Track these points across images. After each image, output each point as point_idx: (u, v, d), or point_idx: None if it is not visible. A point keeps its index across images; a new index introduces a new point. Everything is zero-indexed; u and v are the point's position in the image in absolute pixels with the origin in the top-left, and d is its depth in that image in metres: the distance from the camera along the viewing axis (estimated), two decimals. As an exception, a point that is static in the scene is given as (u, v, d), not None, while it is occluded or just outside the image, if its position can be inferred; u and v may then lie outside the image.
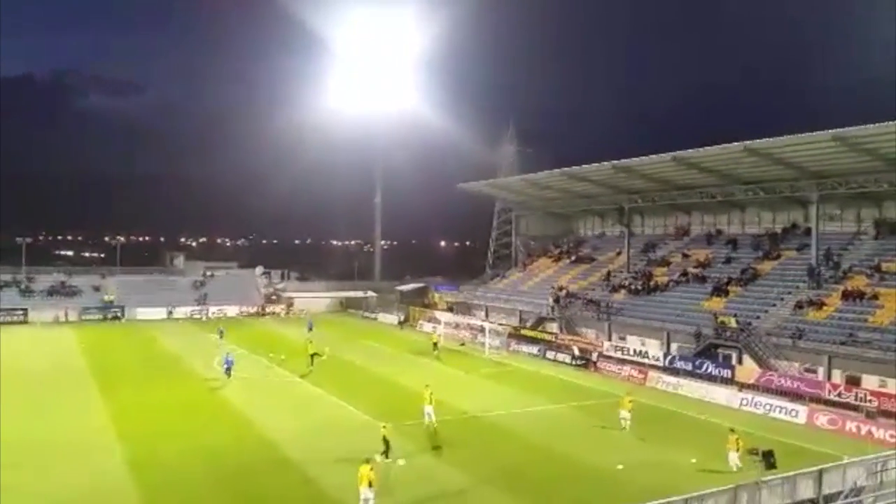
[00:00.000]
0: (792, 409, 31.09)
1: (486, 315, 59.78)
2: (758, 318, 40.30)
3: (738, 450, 22.94)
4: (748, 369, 36.82)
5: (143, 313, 65.71)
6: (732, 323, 39.29)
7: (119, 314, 65.80)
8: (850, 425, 28.67)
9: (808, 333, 36.69)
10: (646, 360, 41.74)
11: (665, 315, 45.34)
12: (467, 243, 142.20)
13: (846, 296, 38.72)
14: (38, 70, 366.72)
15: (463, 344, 52.15)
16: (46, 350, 47.27)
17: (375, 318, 70.09)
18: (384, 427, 23.89)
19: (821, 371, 34.78)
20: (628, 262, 55.80)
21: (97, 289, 68.85)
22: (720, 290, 45.09)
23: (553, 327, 51.61)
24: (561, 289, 55.33)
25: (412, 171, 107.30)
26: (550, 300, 53.92)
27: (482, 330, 51.53)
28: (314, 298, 76.17)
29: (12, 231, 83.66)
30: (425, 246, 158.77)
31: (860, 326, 35.55)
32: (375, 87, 76.30)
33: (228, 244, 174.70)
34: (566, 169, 53.01)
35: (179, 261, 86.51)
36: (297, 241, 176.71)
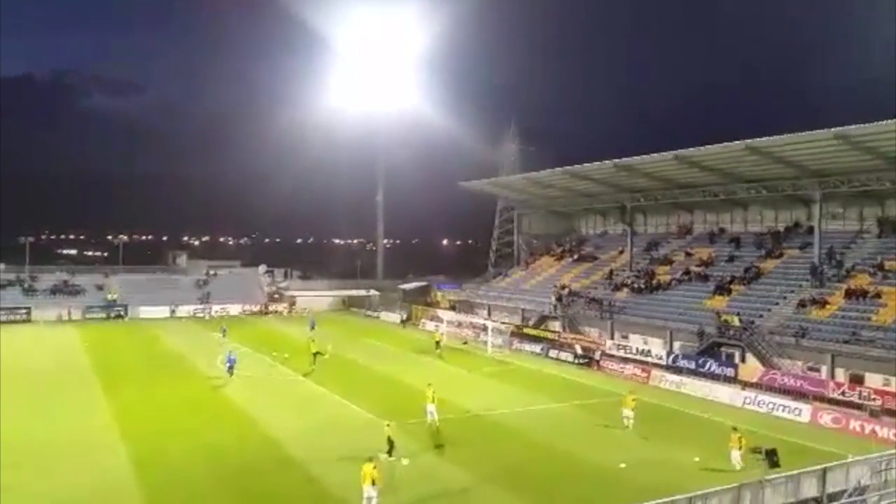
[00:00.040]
0: (795, 408, 31.02)
1: (489, 314, 59.77)
2: (761, 316, 40.25)
3: (740, 448, 22.92)
4: (751, 368, 36.79)
5: (147, 312, 65.82)
6: (735, 321, 39.25)
7: (122, 313, 65.89)
8: (854, 424, 28.60)
9: (812, 332, 36.65)
10: (648, 359, 41.72)
11: (668, 314, 45.30)
12: (469, 242, 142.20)
13: (849, 294, 38.67)
14: (38, 70, 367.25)
15: (465, 342, 52.14)
16: (50, 349, 47.33)
17: (378, 317, 70.12)
18: (388, 426, 23.90)
19: (824, 370, 34.74)
20: (631, 261, 55.76)
21: (100, 288, 68.95)
22: (723, 289, 45.05)
23: (556, 326, 51.62)
24: (563, 287, 55.30)
25: (414, 170, 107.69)
26: (553, 299, 53.89)
27: (485, 328, 51.52)
28: (317, 297, 76.24)
29: (15, 230, 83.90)
30: (427, 244, 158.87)
31: (863, 325, 35.50)
32: (377, 85, 76.33)
33: (231, 243, 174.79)
34: (568, 167, 53.00)
35: (182, 260, 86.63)
36: (299, 240, 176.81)
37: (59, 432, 26.09)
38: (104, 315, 65.31)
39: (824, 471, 18.40)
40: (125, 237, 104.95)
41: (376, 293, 77.13)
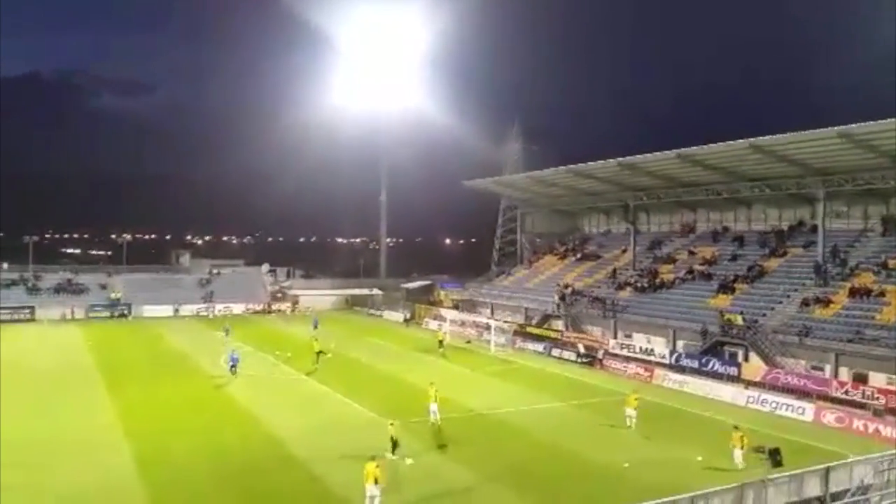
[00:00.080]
0: (799, 407, 30.96)
1: (492, 312, 59.76)
2: (764, 315, 40.18)
3: (742, 447, 22.91)
4: (754, 367, 36.73)
5: (150, 311, 66.00)
6: (739, 320, 39.20)
7: (126, 312, 66.06)
8: (858, 423, 28.55)
9: (815, 331, 36.57)
10: (652, 358, 41.70)
11: (671, 312, 45.25)
12: (473, 241, 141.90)
13: (853, 293, 38.57)
14: (45, 69, 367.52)
15: (468, 341, 52.14)
16: (53, 348, 47.48)
17: (381, 316, 70.18)
18: (392, 424, 23.94)
19: (828, 369, 34.66)
20: (634, 260, 55.72)
21: (104, 286, 69.18)
22: (726, 288, 44.99)
23: (559, 325, 51.59)
24: (566, 286, 55.28)
25: (417, 169, 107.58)
26: (556, 298, 53.88)
27: (488, 327, 51.55)
28: (320, 296, 76.37)
29: (19, 230, 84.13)
30: (431, 243, 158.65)
31: (867, 324, 35.42)
32: (380, 84, 76.37)
33: (234, 242, 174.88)
34: (571, 166, 52.99)
35: (185, 259, 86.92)
36: (302, 239, 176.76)
37: (63, 431, 26.17)
38: (108, 314, 65.52)
39: (827, 470, 18.39)
40: (129, 236, 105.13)
41: (379, 292, 77.19)
